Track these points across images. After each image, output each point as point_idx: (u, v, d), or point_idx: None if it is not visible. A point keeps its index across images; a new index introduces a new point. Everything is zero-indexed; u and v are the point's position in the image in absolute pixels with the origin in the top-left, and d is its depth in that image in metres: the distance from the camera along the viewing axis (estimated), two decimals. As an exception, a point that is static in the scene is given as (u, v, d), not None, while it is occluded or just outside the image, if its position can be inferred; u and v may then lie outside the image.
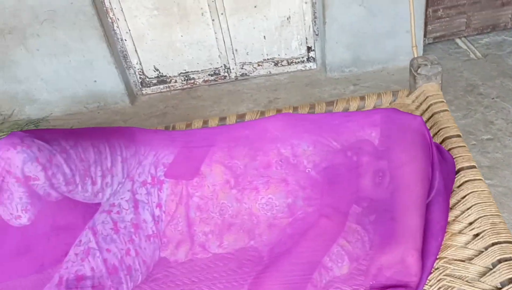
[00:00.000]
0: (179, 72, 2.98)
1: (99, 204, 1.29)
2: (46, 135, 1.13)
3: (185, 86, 3.03)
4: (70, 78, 2.85)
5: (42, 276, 1.17)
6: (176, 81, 3.01)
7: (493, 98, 2.41)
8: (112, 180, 1.26)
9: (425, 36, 2.87)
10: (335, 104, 1.57)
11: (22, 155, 1.06)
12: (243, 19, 2.75)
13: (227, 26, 2.77)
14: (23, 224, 1.13)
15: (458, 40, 2.99)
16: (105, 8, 2.69)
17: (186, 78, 3.00)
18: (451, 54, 2.87)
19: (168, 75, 2.99)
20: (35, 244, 1.19)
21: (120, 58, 2.88)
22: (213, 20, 2.74)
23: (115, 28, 2.77)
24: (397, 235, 1.02)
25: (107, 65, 2.80)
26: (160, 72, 2.98)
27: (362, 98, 1.56)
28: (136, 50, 2.87)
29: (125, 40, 2.82)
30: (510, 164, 1.99)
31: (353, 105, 1.55)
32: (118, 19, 2.73)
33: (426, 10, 2.73)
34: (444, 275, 0.99)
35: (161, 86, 3.03)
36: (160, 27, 2.78)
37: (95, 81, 2.88)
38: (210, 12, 2.71)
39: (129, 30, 2.78)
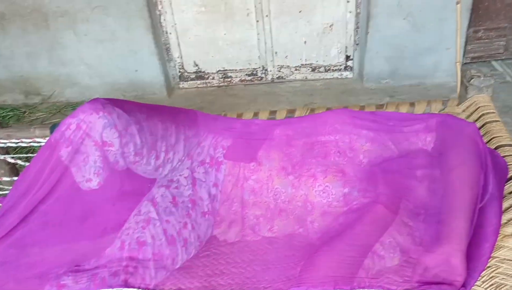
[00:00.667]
0: (218, 70, 3.05)
1: (154, 180, 1.33)
2: (125, 105, 1.19)
3: (222, 84, 3.10)
4: (113, 65, 2.94)
5: (104, 239, 1.22)
6: (213, 78, 3.08)
7: (529, 121, 2.43)
8: (173, 157, 1.30)
9: (464, 55, 2.91)
10: (384, 107, 1.61)
11: (103, 120, 1.11)
12: (286, 22, 2.82)
13: (270, 28, 2.84)
14: (92, 188, 1.18)
15: (494, 62, 3.02)
16: (154, 0, 2.77)
17: (224, 76, 3.07)
18: (487, 76, 2.89)
19: (206, 71, 3.06)
20: (100, 209, 1.24)
21: (162, 50, 2.96)
22: (257, 21, 2.81)
23: (162, 20, 2.85)
24: (443, 236, 1.05)
25: (149, 56, 2.89)
26: (199, 68, 3.05)
27: (412, 104, 1.60)
28: (179, 44, 2.95)
29: (170, 33, 2.90)
30: (546, 185, 2.00)
31: (402, 110, 1.59)
32: (166, 12, 2.81)
33: (467, 30, 2.77)
34: (496, 273, 1.02)
35: (199, 82, 3.10)
36: (205, 23, 2.85)
37: (136, 70, 2.96)
38: (255, 13, 2.78)
39: (175, 23, 2.86)
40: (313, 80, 3.04)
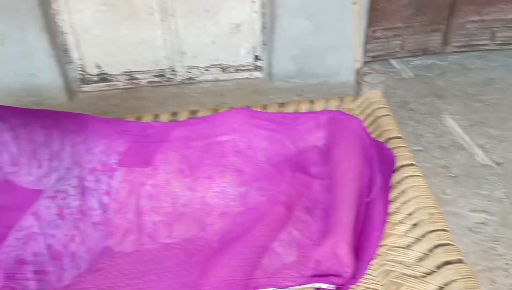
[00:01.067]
0: (123, 71, 2.92)
1: (40, 191, 1.23)
2: None
3: (128, 86, 2.97)
4: (4, 69, 2.68)
5: None
6: (118, 80, 2.94)
7: (423, 114, 2.61)
8: (59, 165, 1.21)
9: (364, 54, 3.05)
10: (286, 106, 1.63)
11: None
12: (193, 22, 2.76)
13: (176, 28, 2.77)
14: None
15: (392, 61, 3.21)
16: (48, -2, 2.58)
17: (130, 78, 2.94)
18: (386, 73, 3.07)
19: (110, 73, 2.91)
20: None
21: (60, 52, 2.76)
22: (162, 20, 2.73)
23: (57, 20, 2.66)
24: (329, 230, 1.08)
25: (45, 59, 2.68)
26: (102, 70, 2.89)
27: (312, 102, 1.64)
28: (78, 45, 2.77)
29: (68, 33, 2.71)
30: (437, 173, 2.16)
31: (303, 108, 1.62)
32: (62, 11, 2.63)
33: (366, 29, 2.91)
34: (386, 260, 1.06)
35: (103, 84, 2.94)
36: (106, 23, 2.71)
37: (32, 74, 2.73)
38: (160, 12, 2.70)
39: (73, 23, 2.68)
40: (223, 80, 3.02)
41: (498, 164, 2.21)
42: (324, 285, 1.02)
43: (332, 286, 1.00)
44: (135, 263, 1.19)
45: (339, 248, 1.01)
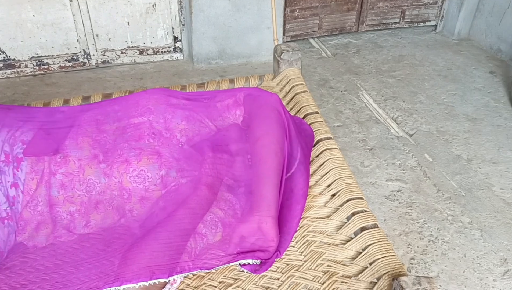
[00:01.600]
0: (30, 56, 2.70)
1: None
2: None
3: (38, 72, 2.76)
4: None
5: None
6: (26, 66, 2.72)
7: (341, 91, 2.70)
8: None
9: (283, 34, 3.09)
10: (206, 85, 1.60)
11: None
12: (104, 2, 2.62)
13: (87, 8, 2.61)
14: None
15: (311, 40, 3.28)
16: None
17: (39, 63, 2.74)
18: (306, 52, 3.14)
19: (17, 59, 2.69)
20: None
21: (-45, 35, 2.50)
22: (71, 0, 2.55)
23: (-51, 0, 2.40)
24: (253, 205, 1.09)
25: None
26: (7, 55, 2.66)
27: (232, 81, 1.62)
28: (-24, 28, 2.52)
29: (-38, 15, 2.46)
30: (356, 147, 2.26)
31: (223, 88, 1.59)
32: (-48, -11, 2.37)
33: (284, 9, 2.94)
34: (307, 232, 1.09)
35: (8, 71, 2.71)
36: (8, 4, 2.48)
37: None
38: (67, -9, 2.52)
39: (-32, 4, 2.43)
40: (142, 63, 2.91)
41: (410, 135, 2.36)
42: (250, 261, 1.02)
43: (257, 261, 1.01)
44: (50, 257, 1.11)
45: (263, 222, 1.01)
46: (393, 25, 3.42)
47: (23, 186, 1.16)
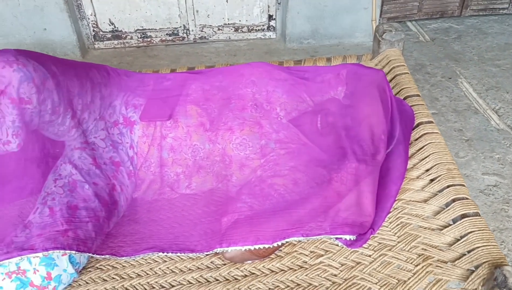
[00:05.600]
0: (136, 29, 2.89)
1: (62, 143, 1.24)
2: (38, 57, 1.04)
3: (141, 44, 2.95)
4: (17, 23, 2.67)
5: (30, 202, 1.12)
6: (131, 38, 2.92)
7: (438, 78, 2.58)
8: (89, 117, 1.20)
9: (380, 16, 3.00)
10: (303, 62, 1.62)
11: (18, 73, 0.96)
12: (207, -21, 2.71)
13: (190, -16, 2.72)
14: (10, 150, 1.03)
15: (409, 23, 3.15)
16: (61, -49, 2.53)
17: (143, 36, 2.92)
18: (402, 36, 3.01)
19: (123, 30, 2.89)
20: (24, 171, 1.13)
21: (73, 7, 2.74)
22: (176, -23, 2.68)
23: (71, -26, 2.63)
24: (356, 178, 1.08)
25: (59, 13, 2.66)
26: (115, 27, 2.87)
27: (329, 60, 1.62)
28: (91, 1, 2.74)
29: (81, -12, 2.68)
30: (451, 136, 2.16)
31: (320, 65, 1.60)
32: (74, -36, 2.59)
33: (383, -10, 2.84)
34: (402, 214, 1.08)
35: (116, 42, 2.92)
36: (120, -22, 2.67)
37: (45, 29, 2.72)
38: (173, -32, 2.65)
39: (86, -22, 2.65)
40: (236, 40, 2.99)
41: (512, 128, 2.20)
42: (347, 237, 1.02)
43: (353, 237, 1.01)
44: (157, 212, 1.21)
45: (364, 197, 1.02)
46: (501, 11, 3.17)
47: (137, 148, 1.28)
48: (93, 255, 1.03)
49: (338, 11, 2.79)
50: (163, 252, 1.04)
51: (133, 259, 1.09)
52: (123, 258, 1.05)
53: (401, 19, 3.10)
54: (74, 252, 0.99)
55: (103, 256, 1.05)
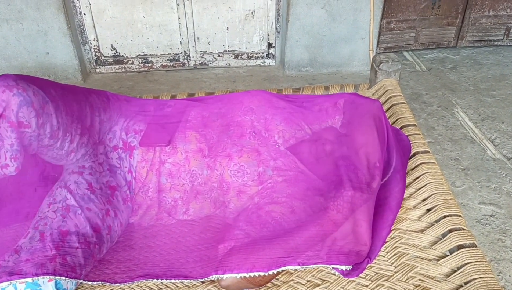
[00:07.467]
0: (137, 54, 2.94)
1: (61, 167, 1.24)
2: (37, 81, 1.06)
3: (142, 69, 2.99)
4: (20, 47, 2.71)
5: (26, 226, 1.12)
6: (133, 63, 2.96)
7: (434, 107, 2.61)
8: (88, 141, 1.21)
9: (377, 45, 3.06)
10: (301, 91, 1.64)
11: (18, 98, 0.98)
12: (208, 7, 2.77)
13: (192, 12, 2.78)
14: (8, 174, 1.03)
15: (405, 53, 3.21)
16: (66, -22, 2.60)
17: (144, 61, 2.96)
18: (399, 65, 3.07)
19: (125, 56, 2.93)
20: (21, 195, 1.13)
21: (76, 32, 2.79)
22: (178, 4, 2.74)
23: (75, 0, 2.68)
24: (351, 207, 1.09)
25: (62, 38, 2.70)
26: (117, 52, 2.92)
27: (327, 88, 1.65)
28: (94, 26, 2.79)
29: (84, 14, 2.73)
30: (448, 165, 2.17)
31: (318, 93, 1.63)
32: (79, -9, 2.65)
33: (381, 20, 2.91)
34: (399, 243, 1.08)
35: (117, 66, 2.96)
36: (122, 5, 2.73)
37: (48, 53, 2.76)
38: (176, -4, 2.71)
39: (90, 4, 2.70)
40: (236, 67, 3.04)
41: (508, 158, 2.22)
42: (343, 267, 1.02)
43: (349, 267, 1.01)
44: (153, 238, 1.21)
45: (358, 225, 1.02)
46: (496, 43, 3.24)
47: (135, 173, 1.28)
48: (84, 281, 1.03)
49: (336, 41, 2.85)
50: (157, 279, 1.03)
51: (128, 286, 1.08)
52: (118, 284, 1.04)
53: (398, 49, 3.16)
54: (63, 278, 0.98)
55: (96, 283, 1.04)
